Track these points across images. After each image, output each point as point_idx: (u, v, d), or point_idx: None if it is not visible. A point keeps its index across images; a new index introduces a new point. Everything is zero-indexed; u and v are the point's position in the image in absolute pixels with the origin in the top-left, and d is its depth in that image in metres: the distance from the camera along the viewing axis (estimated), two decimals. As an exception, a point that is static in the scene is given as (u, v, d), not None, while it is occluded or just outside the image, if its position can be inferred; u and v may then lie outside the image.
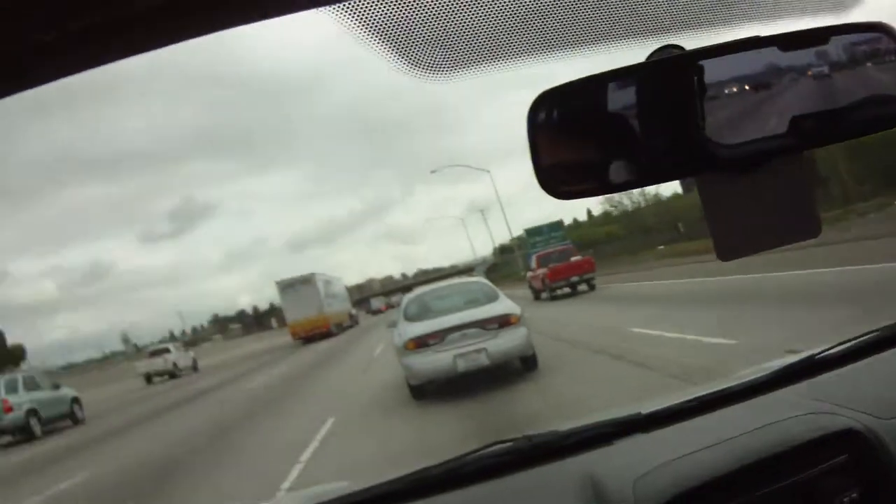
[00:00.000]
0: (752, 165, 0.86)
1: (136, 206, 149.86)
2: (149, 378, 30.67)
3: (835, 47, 0.85)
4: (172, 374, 30.28)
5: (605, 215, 58.31)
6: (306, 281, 35.47)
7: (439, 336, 8.81)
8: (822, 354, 1.64)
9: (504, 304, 9.50)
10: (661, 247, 36.47)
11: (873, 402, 1.37)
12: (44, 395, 17.78)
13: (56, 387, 19.07)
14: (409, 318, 9.64)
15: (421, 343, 8.82)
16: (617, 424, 1.46)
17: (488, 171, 49.84)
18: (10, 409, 16.05)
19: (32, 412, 16.67)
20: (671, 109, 0.81)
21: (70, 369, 71.45)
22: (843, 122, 0.86)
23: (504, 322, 8.93)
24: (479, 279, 11.64)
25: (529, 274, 25.47)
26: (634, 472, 1.23)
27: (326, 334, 33.66)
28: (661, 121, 0.81)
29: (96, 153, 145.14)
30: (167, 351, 31.93)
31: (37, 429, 16.42)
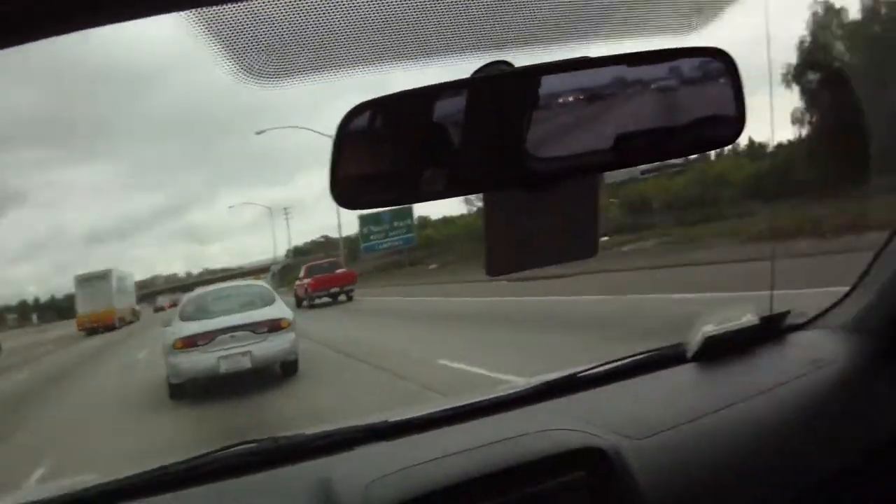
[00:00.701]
0: (554, 182, 0.87)
1: None
2: None
3: (665, 69, 0.88)
4: None
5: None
6: (102, 276, 36.15)
7: (209, 337, 8.60)
8: (589, 372, 1.64)
9: (278, 309, 9.39)
10: (433, 265, 34.67)
11: (626, 423, 1.38)
12: None
13: None
14: (184, 318, 9.37)
15: (190, 343, 8.58)
16: (361, 431, 1.46)
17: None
18: None
19: None
20: (490, 124, 0.82)
21: None
22: (673, 141, 0.89)
23: (275, 326, 8.85)
24: (259, 283, 11.60)
25: (297, 282, 25.86)
26: (368, 478, 1.23)
27: (111, 328, 34.04)
28: (477, 135, 0.82)
29: None
30: None
31: None
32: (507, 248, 0.92)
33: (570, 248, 0.95)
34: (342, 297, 23.66)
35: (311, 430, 1.51)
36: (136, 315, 43.14)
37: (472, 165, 0.83)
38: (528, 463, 1.25)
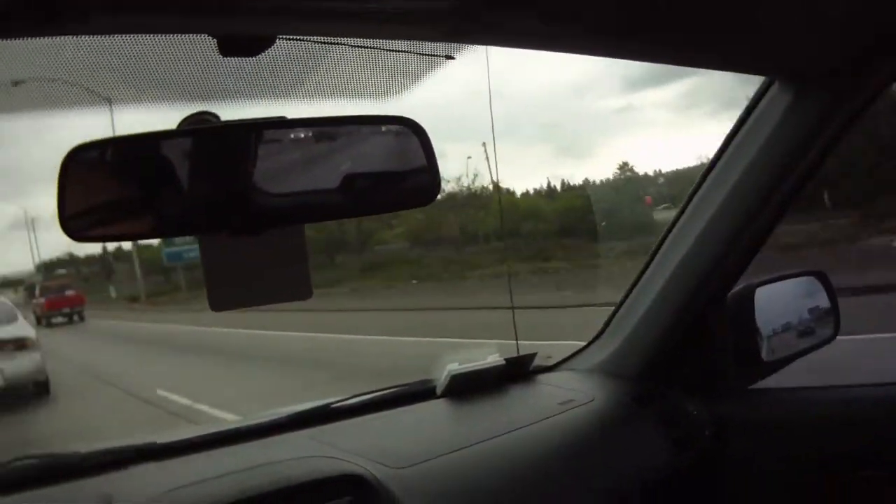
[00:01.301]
0: (262, 228, 0.90)
1: None
2: None
3: (363, 134, 0.94)
4: None
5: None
6: None
7: None
8: (343, 403, 1.62)
9: (21, 328, 9.02)
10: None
11: (383, 453, 1.38)
12: None
13: None
14: None
15: None
16: (133, 451, 1.43)
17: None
18: None
19: None
20: (199, 171, 0.85)
21: None
22: (357, 201, 0.95)
23: (20, 345, 8.55)
24: (2, 299, 10.80)
25: (34, 301, 25.81)
26: (146, 497, 1.22)
27: None
28: (188, 180, 0.85)
29: None
30: None
31: None
32: (226, 286, 0.95)
33: (287, 288, 0.98)
34: (76, 318, 24.23)
35: (88, 447, 1.46)
36: None
37: (185, 208, 0.86)
38: (294, 486, 1.25)
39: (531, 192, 22.56)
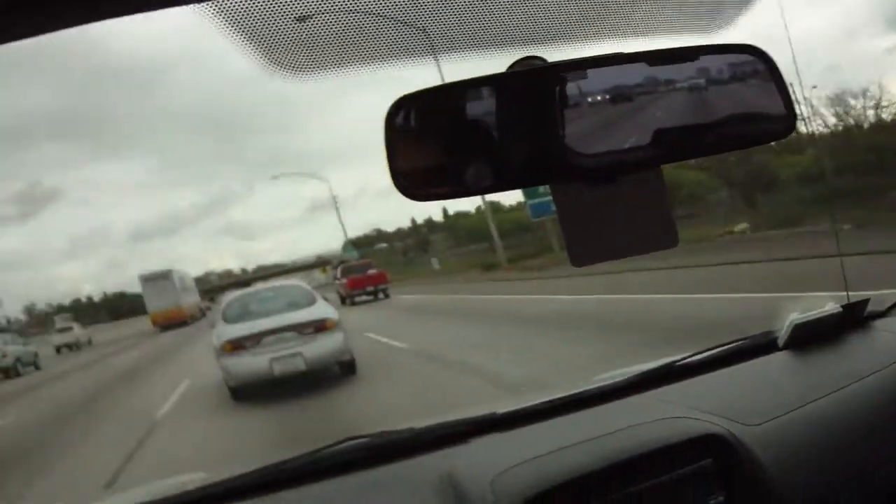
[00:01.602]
0: (610, 176, 0.85)
1: None
2: (58, 349, 34.23)
3: (703, 66, 0.85)
4: (76, 346, 34.69)
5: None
6: (164, 276, 38.13)
7: (255, 339, 8.10)
8: (685, 361, 1.58)
9: (321, 309, 8.81)
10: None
11: (737, 409, 1.32)
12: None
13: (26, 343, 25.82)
14: (228, 320, 8.81)
15: (237, 345, 8.10)
16: (473, 423, 1.41)
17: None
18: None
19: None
20: (531, 118, 0.80)
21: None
22: (707, 138, 0.86)
23: (320, 327, 8.34)
24: (298, 283, 10.83)
25: (337, 281, 28.07)
26: (492, 470, 1.17)
27: (182, 323, 35.70)
28: (520, 129, 0.80)
29: None
30: (72, 329, 36.94)
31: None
32: (584, 240, 0.89)
33: (651, 238, 0.91)
34: (381, 295, 25.35)
35: (422, 423, 1.45)
36: (202, 312, 45.08)
37: (514, 159, 0.81)
38: (651, 452, 1.20)
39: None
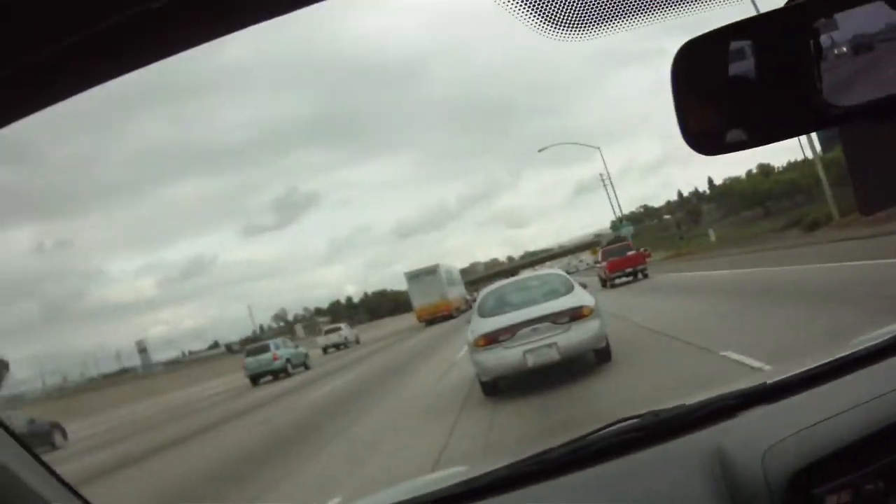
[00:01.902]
0: None
1: (238, 200, 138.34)
2: (325, 349, 37.44)
3: None
4: (344, 345, 37.47)
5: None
6: (430, 272, 40.02)
7: (510, 332, 7.95)
8: None
9: (577, 297, 8.47)
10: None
11: None
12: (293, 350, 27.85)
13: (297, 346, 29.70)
14: (483, 314, 8.72)
15: (491, 339, 7.98)
16: (741, 396, 1.36)
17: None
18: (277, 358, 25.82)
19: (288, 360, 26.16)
20: (816, 57, 0.73)
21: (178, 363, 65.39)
22: None
23: (576, 315, 8.02)
24: (554, 271, 10.43)
25: (597, 265, 28.91)
26: (762, 444, 1.12)
27: (448, 317, 37.76)
28: (808, 70, 0.73)
29: (197, 148, 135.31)
30: (339, 329, 40.11)
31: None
32: (877, 183, 0.83)
33: None
34: (639, 276, 25.78)
35: (689, 400, 1.43)
36: (469, 304, 48.07)
37: (815, 101, 0.74)
38: None
39: None
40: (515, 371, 8.06)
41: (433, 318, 38.17)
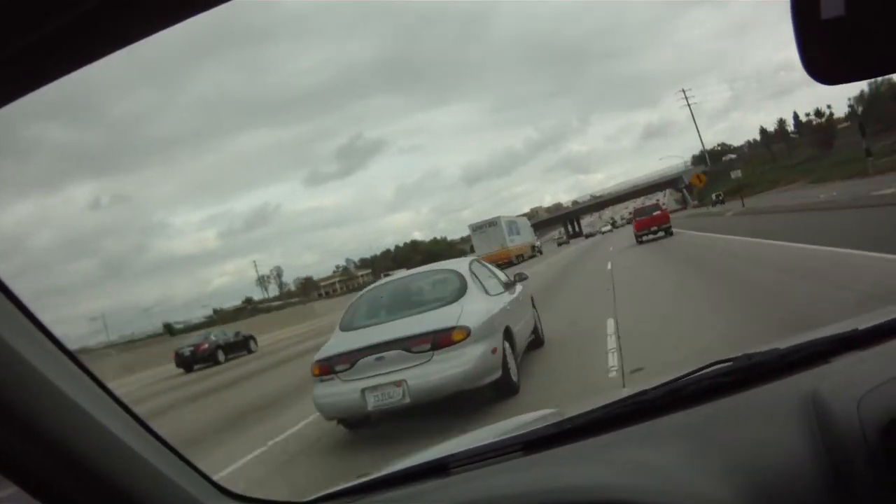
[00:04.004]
0: None
1: (302, 149, 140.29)
2: None
3: None
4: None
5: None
6: (492, 223, 42.03)
7: (348, 360, 5.55)
8: None
9: (453, 312, 5.71)
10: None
11: None
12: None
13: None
14: (343, 326, 6.30)
15: (325, 369, 5.66)
16: (834, 342, 1.32)
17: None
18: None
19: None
20: None
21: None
22: None
23: (441, 341, 5.39)
24: (453, 267, 6.88)
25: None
26: (858, 390, 1.07)
27: (508, 263, 38.16)
28: None
29: (258, 99, 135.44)
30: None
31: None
32: None
33: None
34: (662, 234, 27.50)
35: (782, 344, 1.39)
36: (536, 251, 47.96)
37: None
38: None
39: None
40: (354, 414, 5.72)
41: (497, 265, 40.45)
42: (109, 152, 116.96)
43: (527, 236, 48.97)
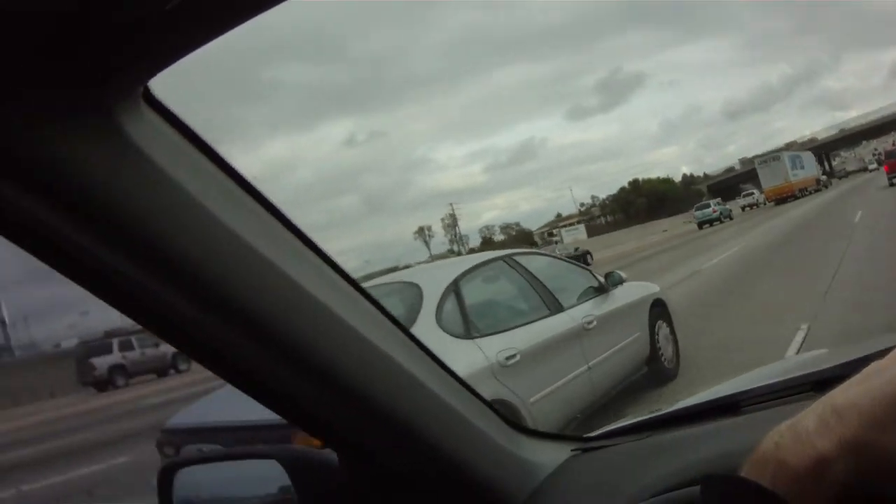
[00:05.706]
0: None
1: (560, 84, 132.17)
2: (743, 208, 48.89)
3: None
4: (756, 205, 48.61)
5: None
6: (775, 158, 45.30)
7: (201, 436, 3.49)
8: None
9: None
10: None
11: None
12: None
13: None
14: None
15: (167, 442, 3.78)
16: None
17: None
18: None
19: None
20: None
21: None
22: None
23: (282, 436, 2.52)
24: (412, 281, 4.28)
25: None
26: None
27: (791, 196, 42.08)
28: None
29: (512, 35, 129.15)
30: (753, 193, 49.94)
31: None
32: None
33: None
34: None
35: None
36: (821, 184, 51.50)
37: None
38: None
39: None
40: None
41: (779, 198, 43.98)
42: (360, 92, 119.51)
43: (811, 170, 51.19)
